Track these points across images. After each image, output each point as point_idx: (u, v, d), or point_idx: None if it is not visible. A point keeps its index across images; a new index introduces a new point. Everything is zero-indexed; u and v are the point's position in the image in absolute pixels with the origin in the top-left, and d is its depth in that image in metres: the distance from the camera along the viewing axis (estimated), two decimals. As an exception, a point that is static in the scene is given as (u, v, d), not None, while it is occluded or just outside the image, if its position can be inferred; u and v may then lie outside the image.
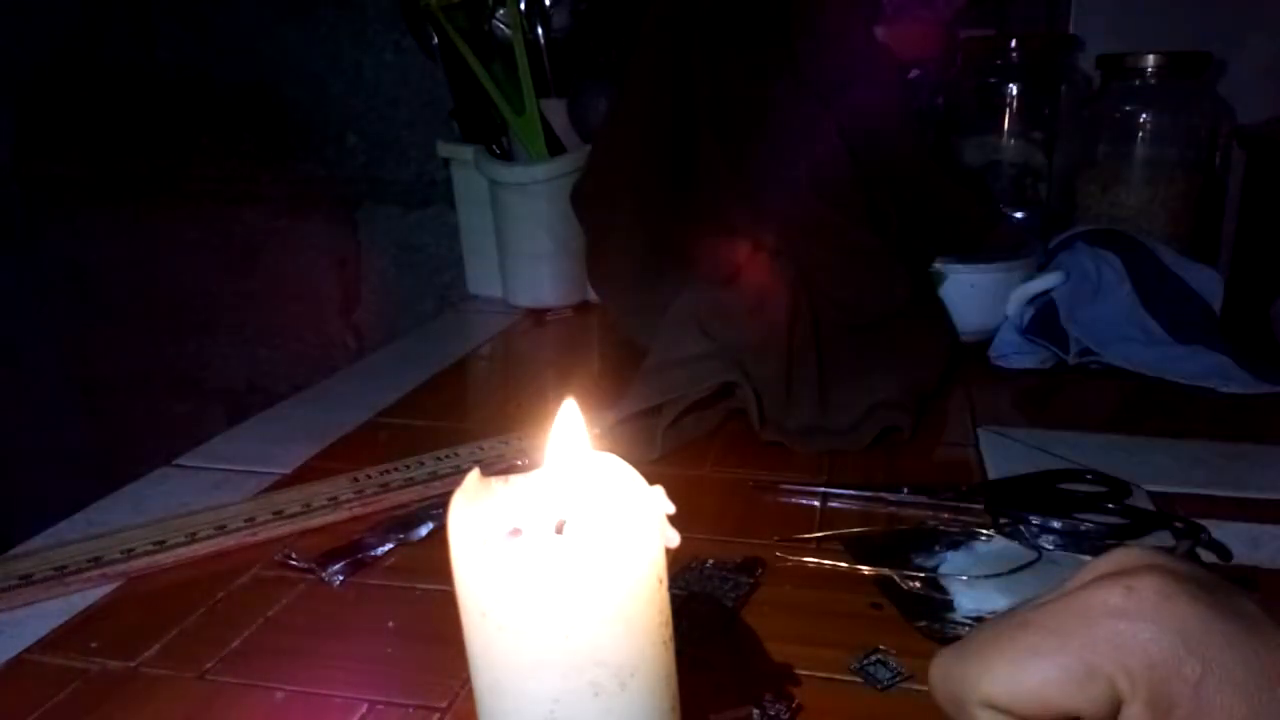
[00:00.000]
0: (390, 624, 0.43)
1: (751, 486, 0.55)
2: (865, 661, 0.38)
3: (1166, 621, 0.22)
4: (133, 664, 0.40)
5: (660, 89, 0.72)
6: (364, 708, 0.37)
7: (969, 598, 0.43)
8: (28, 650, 0.41)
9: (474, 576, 0.23)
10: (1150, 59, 0.88)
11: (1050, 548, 0.47)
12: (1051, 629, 0.23)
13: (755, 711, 0.35)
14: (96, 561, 0.47)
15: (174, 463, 0.60)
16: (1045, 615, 0.23)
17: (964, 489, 0.52)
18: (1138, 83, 0.89)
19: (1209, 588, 0.23)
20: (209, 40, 1.19)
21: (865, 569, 0.45)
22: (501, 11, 0.91)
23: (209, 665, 0.40)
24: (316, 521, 0.51)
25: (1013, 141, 0.93)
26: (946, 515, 0.51)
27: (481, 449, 0.60)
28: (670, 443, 0.60)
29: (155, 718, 0.37)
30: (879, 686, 0.37)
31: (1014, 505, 0.50)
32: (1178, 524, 0.47)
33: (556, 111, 0.94)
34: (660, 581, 0.24)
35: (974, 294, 0.76)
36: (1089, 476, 0.53)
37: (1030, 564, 0.45)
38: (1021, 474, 0.54)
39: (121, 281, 1.32)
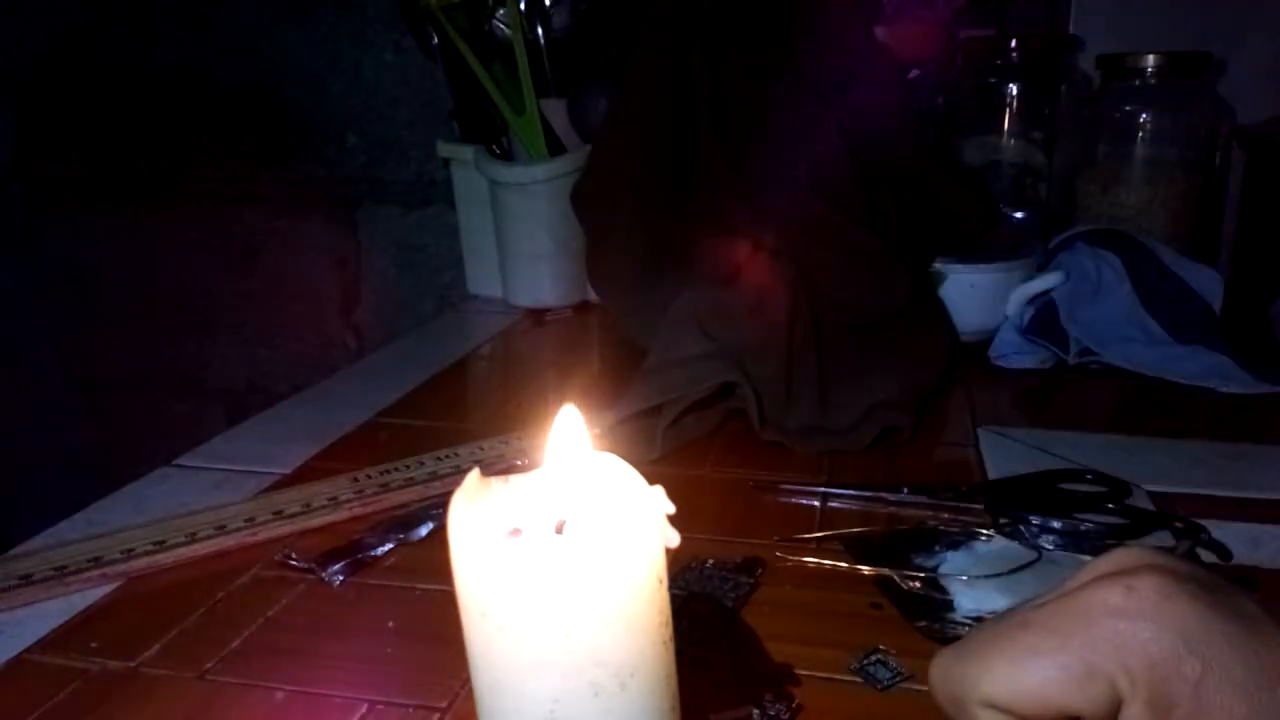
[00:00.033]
0: (390, 624, 0.43)
1: (751, 486, 0.55)
2: (865, 661, 0.38)
3: (1167, 621, 0.22)
4: (133, 664, 0.40)
5: (660, 89, 0.72)
6: (364, 708, 0.37)
7: (969, 598, 0.43)
8: (28, 650, 0.41)
9: (474, 576, 0.23)
10: (1150, 59, 0.88)
11: (1050, 548, 0.47)
12: (1051, 629, 0.23)
13: (755, 711, 0.35)
14: (96, 561, 0.47)
15: (174, 463, 0.60)
16: (1045, 615, 0.23)
17: (964, 489, 0.52)
18: (1138, 83, 0.89)
19: (1209, 587, 0.22)
20: (209, 40, 1.19)
21: (865, 569, 0.45)
22: (501, 11, 0.91)
23: (209, 665, 0.40)
24: (316, 521, 0.51)
25: (1013, 141, 0.93)
26: (946, 515, 0.51)
27: (481, 449, 0.60)
28: (670, 443, 0.60)
29: (155, 718, 0.37)
30: (879, 686, 0.37)
31: (1014, 505, 0.50)
32: (1178, 524, 0.47)
33: (556, 111, 0.94)
34: (660, 581, 0.24)
35: (974, 294, 0.76)
36: (1089, 476, 0.53)
37: (1030, 564, 0.45)
38: (1021, 474, 0.54)
39: (121, 281, 1.32)
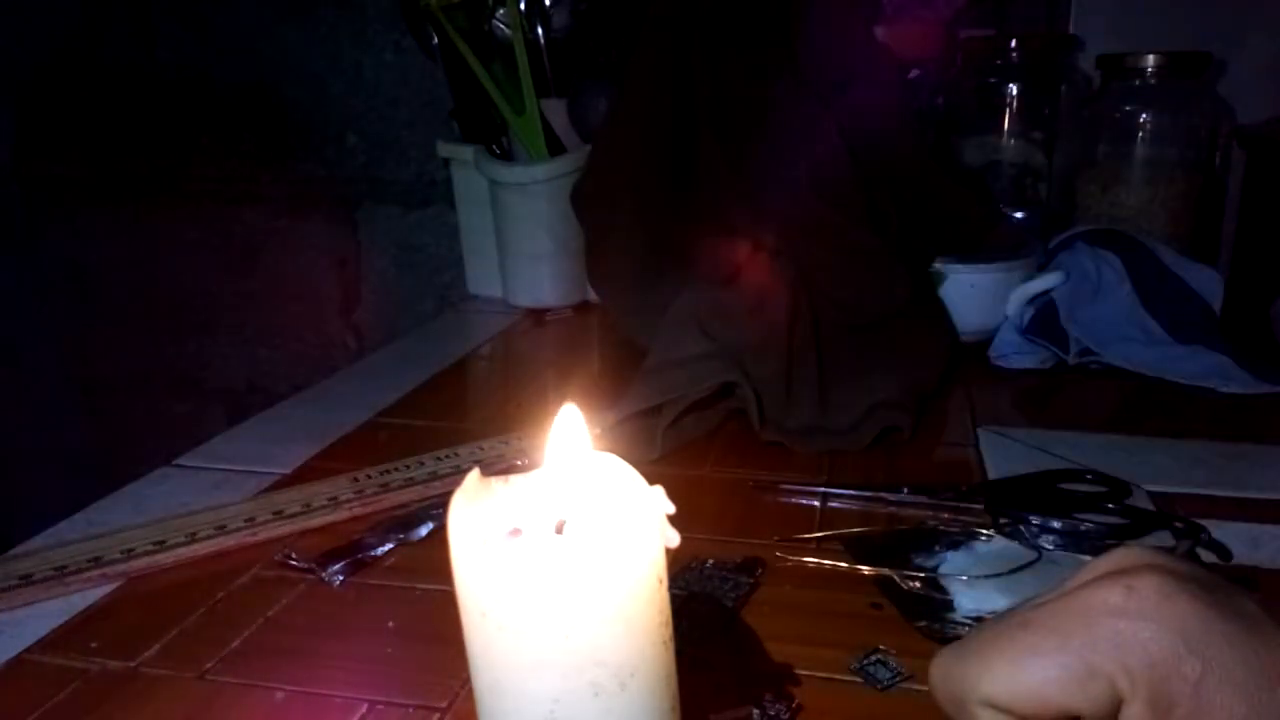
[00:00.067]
0: (390, 624, 0.43)
1: (751, 486, 0.55)
2: (865, 661, 0.38)
3: (1167, 621, 0.22)
4: (133, 664, 0.40)
5: (660, 89, 0.72)
6: (364, 708, 0.37)
7: (969, 598, 0.43)
8: (28, 650, 0.41)
9: (474, 576, 0.23)
10: (1150, 59, 0.88)
11: (1050, 548, 0.47)
12: (1052, 628, 0.23)
13: (755, 711, 0.35)
14: (96, 561, 0.47)
15: (174, 463, 0.60)
16: (1045, 615, 0.23)
17: (964, 489, 0.52)
18: (1138, 83, 0.89)
19: (1209, 587, 0.22)
20: (209, 40, 1.19)
21: (865, 569, 0.45)
22: (501, 11, 0.91)
23: (209, 665, 0.40)
24: (316, 521, 0.51)
25: (1013, 141, 0.93)
26: (946, 515, 0.51)
27: (481, 449, 0.60)
28: (670, 443, 0.60)
29: (155, 718, 0.37)
30: (879, 686, 0.37)
31: (1014, 505, 0.50)
32: (1178, 524, 0.47)
33: (556, 111, 0.94)
34: (660, 581, 0.24)
35: (974, 294, 0.76)
36: (1089, 476, 0.53)
37: (1030, 564, 0.45)
38: (1021, 474, 0.54)
39: (121, 281, 1.32)
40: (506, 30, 0.90)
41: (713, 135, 0.70)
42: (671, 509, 0.24)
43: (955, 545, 0.47)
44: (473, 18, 0.91)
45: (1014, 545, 0.47)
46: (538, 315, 0.96)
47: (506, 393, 0.78)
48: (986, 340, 0.77)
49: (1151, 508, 0.51)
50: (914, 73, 0.89)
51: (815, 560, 0.46)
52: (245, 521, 0.51)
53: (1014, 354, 0.75)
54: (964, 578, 0.44)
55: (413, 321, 1.22)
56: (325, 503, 0.53)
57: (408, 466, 0.57)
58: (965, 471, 0.57)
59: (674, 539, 0.24)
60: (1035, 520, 0.48)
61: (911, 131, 0.81)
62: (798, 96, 0.70)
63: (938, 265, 0.76)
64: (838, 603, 0.43)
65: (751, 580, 0.44)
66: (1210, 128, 0.90)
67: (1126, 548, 0.25)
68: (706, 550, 0.47)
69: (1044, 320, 0.74)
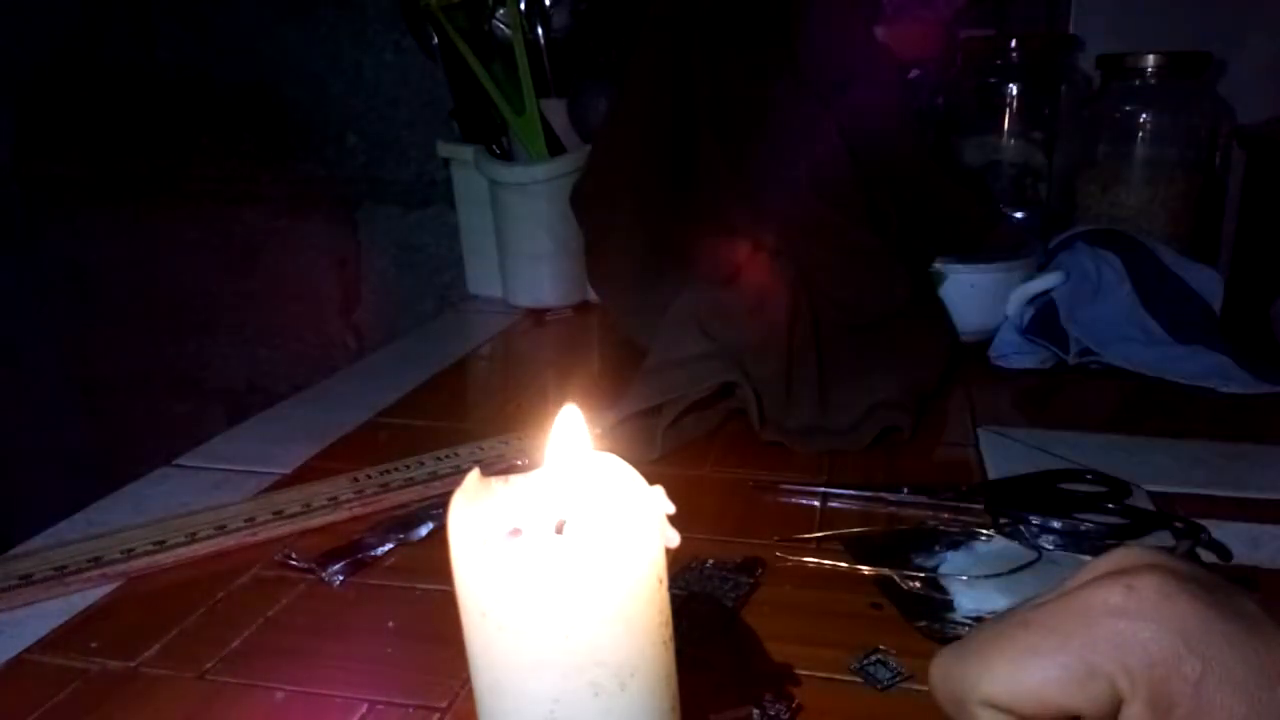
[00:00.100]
0: (390, 624, 0.43)
1: (751, 486, 0.55)
2: (865, 661, 0.38)
3: (1167, 621, 0.22)
4: (133, 664, 0.40)
5: (660, 89, 0.72)
6: (364, 708, 0.37)
7: (969, 598, 0.43)
8: (28, 650, 0.41)
9: (474, 576, 0.23)
10: (1150, 59, 0.88)
11: (1050, 548, 0.47)
12: (1052, 628, 0.23)
13: (755, 711, 0.35)
14: (96, 561, 0.47)
15: (174, 463, 0.60)
16: (1045, 614, 0.23)
17: (964, 489, 0.52)
18: (1138, 83, 0.89)
19: (1209, 587, 0.23)
20: (209, 40, 1.19)
21: (865, 569, 0.45)
22: (501, 11, 0.91)
23: (209, 665, 0.40)
24: (316, 521, 0.51)
25: (1013, 141, 0.93)
26: (946, 515, 0.51)
27: (481, 449, 0.60)
28: (670, 443, 0.60)
29: (155, 718, 0.37)
30: (879, 686, 0.37)
31: (1014, 505, 0.50)
32: (1178, 524, 0.47)
33: (556, 111, 0.94)
34: (660, 581, 0.24)
35: (974, 294, 0.76)
36: (1089, 476, 0.53)
37: (1030, 564, 0.45)
38: (1021, 474, 0.54)
39: (121, 281, 1.32)
40: (506, 30, 0.90)
41: (713, 135, 0.70)
42: (671, 509, 0.24)
43: (955, 545, 0.47)
44: (473, 18, 0.91)
45: (1014, 545, 0.47)
46: (538, 315, 0.96)
47: (506, 393, 0.78)
48: (986, 340, 0.77)
49: (1151, 508, 0.51)
50: (914, 73, 0.89)
51: (815, 560, 0.46)
52: (245, 521, 0.51)
53: (1014, 354, 0.75)
54: (964, 578, 0.44)
55: (413, 321, 1.22)
56: (325, 503, 0.53)
57: (408, 466, 0.57)
58: (965, 471, 0.57)
59: (674, 539, 0.24)
60: (1035, 520, 0.48)
61: (911, 131, 0.81)
62: (798, 96, 0.70)
63: (938, 265, 0.76)
64: (838, 603, 0.43)
65: (751, 580, 0.44)
66: (1210, 128, 0.90)
67: (1126, 548, 0.25)
68: (706, 550, 0.47)
69: (1044, 320, 0.74)
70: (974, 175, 0.94)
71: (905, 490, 0.53)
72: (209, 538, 0.49)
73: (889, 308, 0.68)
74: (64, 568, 0.46)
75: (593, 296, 0.93)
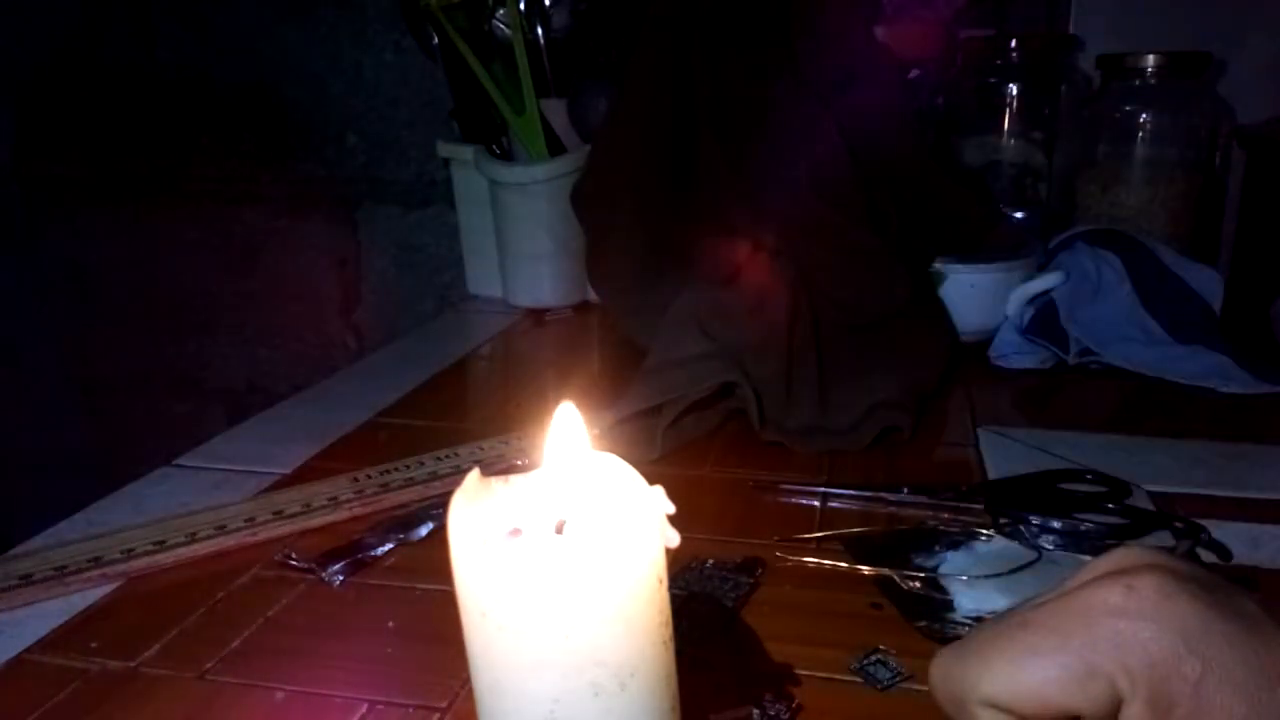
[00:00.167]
0: (390, 624, 0.43)
1: (751, 486, 0.55)
2: (865, 661, 0.38)
3: (1167, 621, 0.22)
4: (133, 664, 0.40)
5: (660, 89, 0.72)
6: (364, 708, 0.37)
7: (969, 598, 0.43)
8: (28, 650, 0.41)
9: (474, 576, 0.23)
10: (1150, 59, 0.88)
11: (1050, 548, 0.47)
12: (1051, 628, 0.23)
13: (755, 711, 0.35)
14: (96, 561, 0.47)
15: (174, 463, 0.60)
16: (1045, 614, 0.23)
17: (964, 489, 0.52)
18: (1138, 83, 0.89)
19: (1209, 587, 0.23)
20: (209, 40, 1.19)
21: (865, 569, 0.45)
22: (501, 11, 0.91)
23: (209, 665, 0.40)
24: (316, 521, 0.51)
25: (1013, 141, 0.93)
26: (946, 515, 0.51)
27: (481, 449, 0.60)
28: (670, 443, 0.60)
29: (155, 718, 0.37)
30: (879, 686, 0.37)
31: (1014, 505, 0.50)
32: (1178, 524, 0.47)
33: (556, 111, 0.94)
34: (660, 581, 0.24)
35: (974, 294, 0.76)
36: (1089, 476, 0.53)
37: (1030, 564, 0.45)
38: (1021, 474, 0.54)
39: (121, 281, 1.32)
40: (506, 30, 0.90)
41: (713, 135, 0.70)
42: (671, 509, 0.24)
43: (955, 545, 0.47)
44: (473, 18, 0.91)
45: (1014, 545, 0.47)
46: (538, 315, 0.96)
47: (506, 393, 0.78)
48: (986, 340, 0.77)
49: (1151, 508, 0.51)
50: (914, 73, 0.88)
51: (815, 560, 0.46)
52: (245, 521, 0.51)
53: (1014, 354, 0.75)
54: (964, 578, 0.44)
55: (413, 321, 1.22)
56: (325, 503, 0.53)
57: (408, 466, 0.57)
58: (965, 471, 0.57)
59: (674, 539, 0.24)
60: (1035, 520, 0.48)
61: (911, 131, 0.81)
62: (798, 96, 0.70)
63: (938, 265, 0.76)
64: (838, 603, 0.43)
65: (751, 580, 0.44)
66: (1210, 128, 0.90)
67: (1126, 548, 0.25)
68: (706, 550, 0.47)
69: (1044, 320, 0.74)
70: (974, 175, 0.94)
71: (905, 490, 0.53)
72: (209, 538, 0.49)
73: (889, 308, 0.68)
74: (64, 568, 0.46)
75: (593, 296, 0.93)
